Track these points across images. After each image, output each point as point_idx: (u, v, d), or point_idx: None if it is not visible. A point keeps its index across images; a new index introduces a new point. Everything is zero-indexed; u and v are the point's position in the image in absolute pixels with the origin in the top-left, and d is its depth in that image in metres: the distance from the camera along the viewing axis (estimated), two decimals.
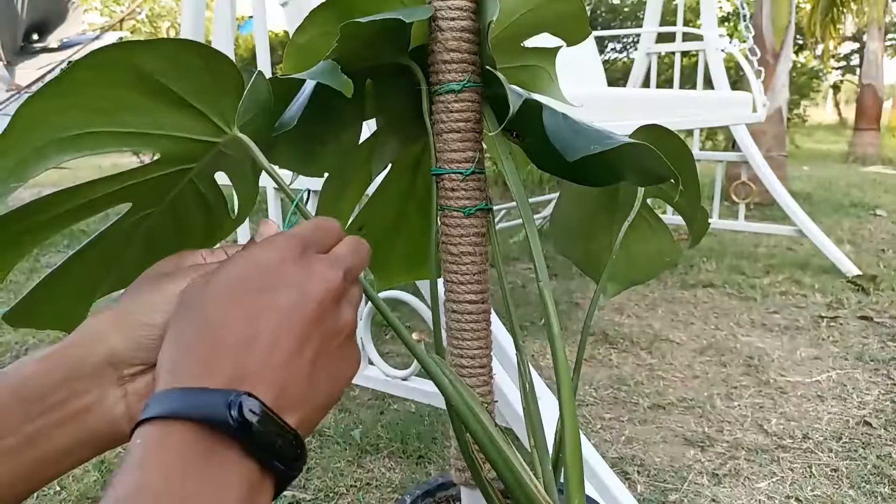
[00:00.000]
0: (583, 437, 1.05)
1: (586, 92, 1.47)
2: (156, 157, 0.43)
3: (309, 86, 0.55)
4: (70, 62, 0.37)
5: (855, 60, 14.04)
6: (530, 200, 2.94)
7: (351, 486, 1.20)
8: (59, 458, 0.33)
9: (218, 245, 0.50)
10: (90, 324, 0.36)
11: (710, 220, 3.04)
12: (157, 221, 0.47)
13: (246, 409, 0.26)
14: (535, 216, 2.93)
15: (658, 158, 0.47)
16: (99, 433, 0.34)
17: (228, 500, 0.25)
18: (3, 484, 0.32)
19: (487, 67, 0.53)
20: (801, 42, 10.20)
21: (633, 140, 0.48)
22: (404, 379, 1.15)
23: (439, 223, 0.57)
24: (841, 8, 9.20)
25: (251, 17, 1.48)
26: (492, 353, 0.61)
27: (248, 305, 0.30)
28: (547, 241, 0.80)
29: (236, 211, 0.55)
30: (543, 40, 0.65)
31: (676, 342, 1.89)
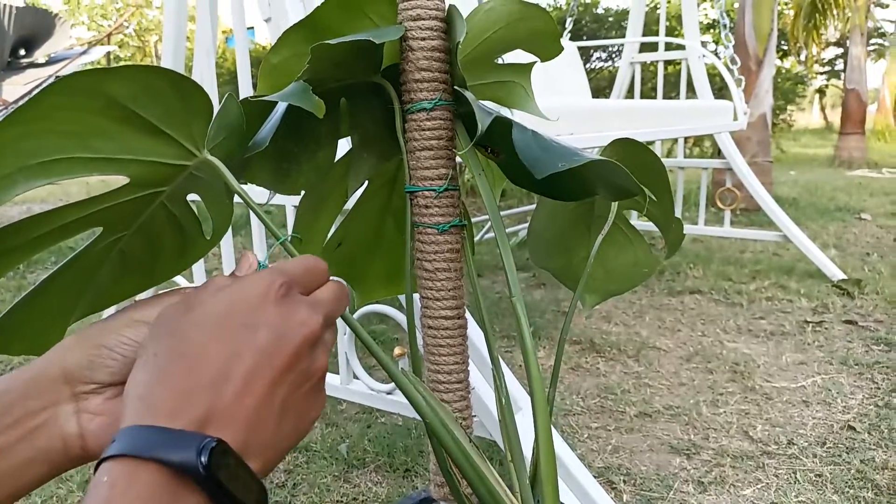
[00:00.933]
0: (568, 448, 1.05)
1: (566, 104, 1.48)
2: (126, 182, 0.43)
3: (282, 105, 0.55)
4: (57, 77, 0.37)
5: (839, 65, 14.20)
6: (517, 210, 2.96)
7: (337, 501, 1.19)
8: (15, 476, 0.33)
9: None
10: (54, 347, 0.36)
11: (696, 227, 3.01)
12: (130, 243, 0.48)
13: (216, 457, 0.26)
14: (522, 226, 2.94)
15: (625, 174, 0.48)
16: (52, 450, 0.35)
17: None
18: None
19: (457, 88, 0.54)
20: (785, 48, 10.31)
21: (600, 157, 0.48)
22: (389, 393, 1.15)
23: (414, 240, 0.58)
24: (824, 14, 9.31)
25: None
26: (470, 368, 0.61)
27: (226, 342, 0.30)
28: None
29: (212, 231, 0.55)
30: (520, 56, 0.66)
31: (663, 349, 1.90)
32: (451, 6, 0.55)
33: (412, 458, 1.30)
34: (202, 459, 0.26)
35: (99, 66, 0.38)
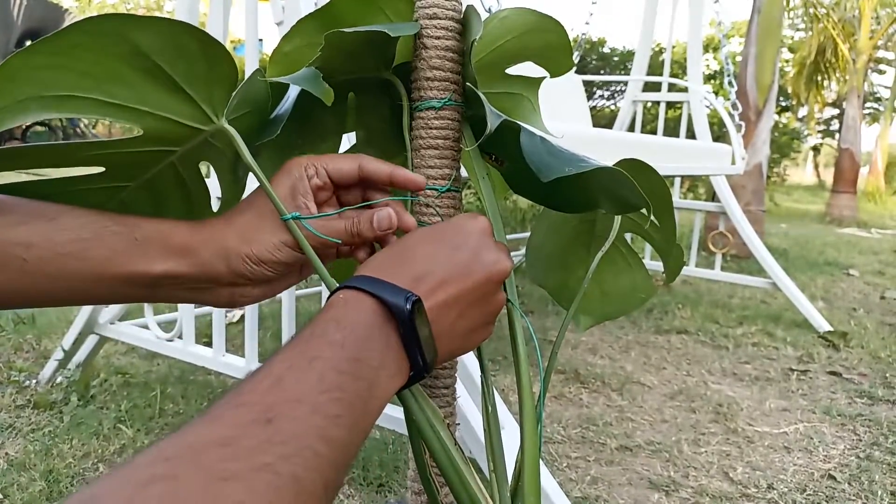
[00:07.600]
0: (548, 474, 1.03)
1: (570, 128, 1.49)
2: (139, 134, 0.43)
3: (292, 95, 0.55)
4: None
5: (835, 125, 14.46)
6: (512, 237, 2.96)
7: None
8: None
9: None
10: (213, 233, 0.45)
11: (686, 268, 3.02)
12: (133, 196, 0.47)
13: (417, 307, 0.37)
14: (515, 253, 2.94)
15: (632, 186, 0.48)
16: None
17: (382, 375, 0.35)
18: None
19: (469, 85, 0.53)
20: (784, 104, 10.50)
21: (608, 165, 0.48)
22: None
23: None
24: (825, 74, 9.51)
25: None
26: (457, 376, 0.60)
27: (434, 250, 0.41)
28: (523, 275, 0.80)
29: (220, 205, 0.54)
30: (529, 71, 0.66)
31: (647, 385, 1.89)
32: (469, 6, 0.55)
33: (387, 473, 1.27)
34: (407, 306, 0.36)
35: (129, 13, 0.38)
